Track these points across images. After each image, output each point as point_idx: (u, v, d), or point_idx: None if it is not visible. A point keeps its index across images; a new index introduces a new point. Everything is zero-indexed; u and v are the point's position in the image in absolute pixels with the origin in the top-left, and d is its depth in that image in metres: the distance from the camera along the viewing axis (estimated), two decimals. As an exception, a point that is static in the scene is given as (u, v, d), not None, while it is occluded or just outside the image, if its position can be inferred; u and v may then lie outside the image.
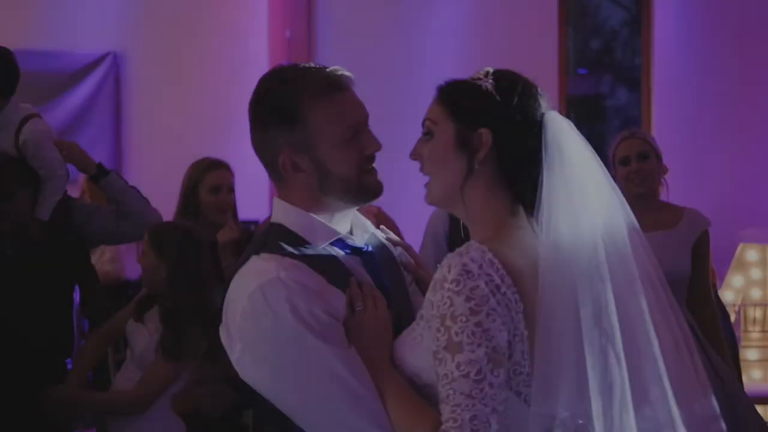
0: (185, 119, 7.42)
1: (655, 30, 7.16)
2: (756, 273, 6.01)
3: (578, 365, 1.68)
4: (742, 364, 5.63)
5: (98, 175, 3.64)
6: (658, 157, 3.83)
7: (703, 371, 1.79)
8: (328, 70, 1.87)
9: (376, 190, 1.90)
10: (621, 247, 1.77)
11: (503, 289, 1.68)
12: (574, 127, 1.83)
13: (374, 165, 1.91)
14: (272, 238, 1.85)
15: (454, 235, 3.75)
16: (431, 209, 3.90)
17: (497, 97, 1.79)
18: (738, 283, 6.01)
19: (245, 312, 1.77)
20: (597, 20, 7.99)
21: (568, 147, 1.79)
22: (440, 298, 1.68)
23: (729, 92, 6.92)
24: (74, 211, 3.65)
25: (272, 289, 1.75)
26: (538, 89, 1.84)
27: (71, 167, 3.70)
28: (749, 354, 5.78)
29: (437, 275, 1.71)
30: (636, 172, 3.78)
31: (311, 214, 1.87)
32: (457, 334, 1.64)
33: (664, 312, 1.78)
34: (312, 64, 1.90)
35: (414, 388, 1.76)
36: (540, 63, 6.99)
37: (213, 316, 3.22)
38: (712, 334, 3.77)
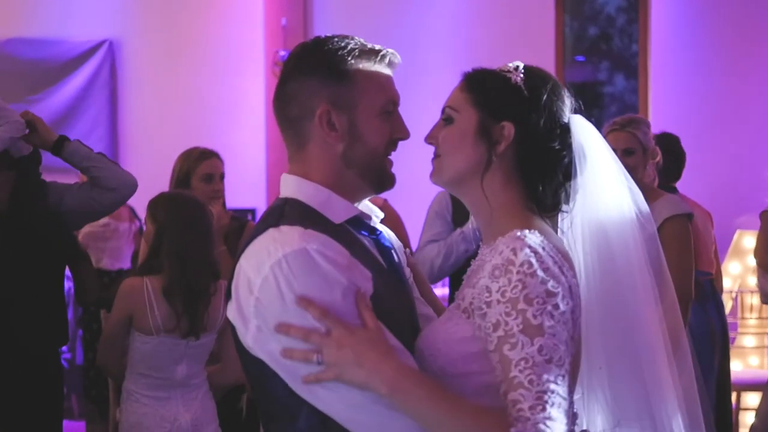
0: (181, 107, 7.40)
1: (652, 17, 7.14)
2: (753, 260, 6.00)
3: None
4: (739, 351, 5.65)
5: (60, 146, 3.61)
6: (645, 150, 3.77)
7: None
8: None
9: (391, 180, 1.85)
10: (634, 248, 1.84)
11: (565, 271, 1.66)
12: (596, 130, 1.84)
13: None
14: (290, 210, 1.75)
15: (458, 216, 3.76)
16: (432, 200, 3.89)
17: (525, 93, 1.76)
18: (735, 270, 6.01)
19: (268, 283, 1.64)
20: (594, 7, 7.97)
21: (594, 152, 1.81)
22: (507, 282, 1.61)
23: (726, 78, 6.91)
24: (49, 194, 3.62)
25: (299, 260, 1.64)
26: (566, 91, 1.83)
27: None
28: (746, 341, 5.78)
29: (497, 261, 1.65)
30: None
31: (328, 189, 1.78)
32: (535, 316, 1.58)
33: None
34: None
35: (445, 378, 1.68)
36: (537, 50, 6.98)
37: (194, 290, 3.32)
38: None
